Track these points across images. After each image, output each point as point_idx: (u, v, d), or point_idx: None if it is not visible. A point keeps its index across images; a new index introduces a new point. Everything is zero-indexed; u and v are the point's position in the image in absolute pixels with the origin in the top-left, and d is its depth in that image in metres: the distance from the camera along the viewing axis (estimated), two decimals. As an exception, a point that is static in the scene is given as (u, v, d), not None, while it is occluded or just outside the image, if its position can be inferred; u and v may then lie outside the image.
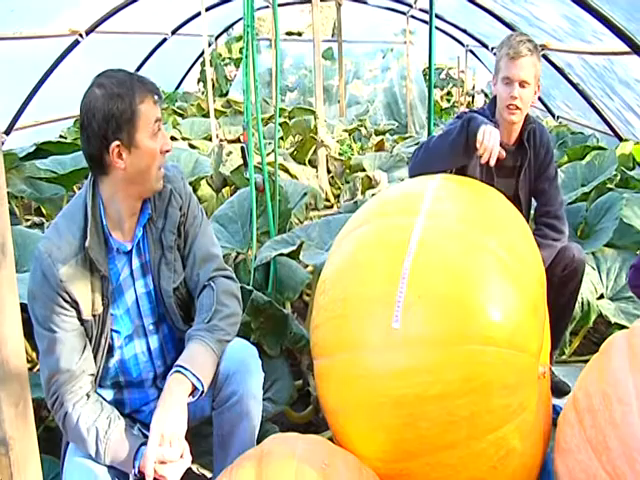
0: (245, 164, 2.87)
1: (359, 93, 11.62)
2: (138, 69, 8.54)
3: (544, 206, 2.36)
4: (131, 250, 1.64)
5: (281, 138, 6.82)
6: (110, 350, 1.64)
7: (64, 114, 7.05)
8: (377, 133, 8.49)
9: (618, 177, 4.33)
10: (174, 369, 1.53)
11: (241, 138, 3.00)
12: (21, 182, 4.44)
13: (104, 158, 1.51)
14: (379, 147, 7.42)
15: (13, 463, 1.00)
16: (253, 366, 1.73)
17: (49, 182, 4.37)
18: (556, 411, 1.89)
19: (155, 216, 1.66)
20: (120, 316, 1.65)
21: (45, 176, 4.32)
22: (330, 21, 14.14)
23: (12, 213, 4.62)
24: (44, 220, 4.55)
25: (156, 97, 1.55)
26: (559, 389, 2.33)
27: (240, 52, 9.60)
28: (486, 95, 11.37)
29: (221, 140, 5.76)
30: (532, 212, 2.46)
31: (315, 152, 5.79)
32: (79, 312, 1.54)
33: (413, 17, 9.89)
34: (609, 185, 4.15)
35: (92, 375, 1.58)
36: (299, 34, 12.45)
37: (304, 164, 6.01)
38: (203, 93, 10.62)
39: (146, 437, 1.52)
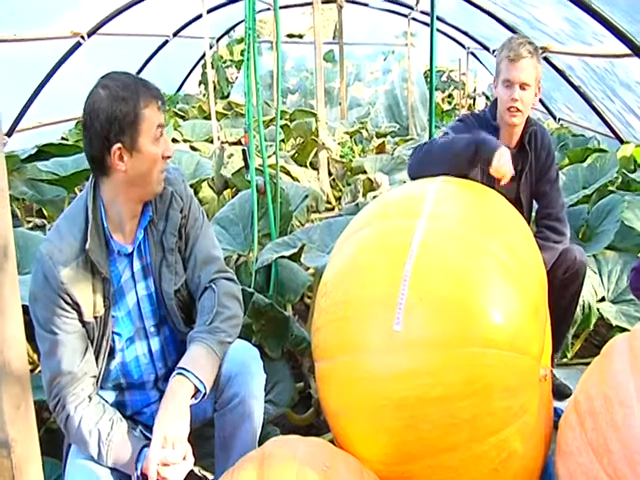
0: (246, 166, 2.88)
1: (360, 95, 11.62)
2: (140, 71, 8.55)
3: (545, 208, 2.36)
4: (132, 252, 1.64)
5: (282, 140, 6.82)
6: (111, 352, 1.64)
7: (66, 116, 7.05)
8: (378, 135, 8.50)
9: (619, 179, 4.34)
10: (176, 371, 1.52)
11: (242, 140, 3.00)
12: (23, 184, 4.43)
13: (105, 160, 1.51)
14: (380, 149, 7.43)
15: (15, 465, 1.00)
16: (255, 368, 1.73)
17: (51, 184, 4.37)
18: (557, 414, 1.89)
19: (156, 218, 1.66)
20: (121, 318, 1.65)
21: (47, 178, 4.32)
22: (331, 23, 14.13)
23: (14, 215, 4.61)
24: (46, 222, 4.55)
25: (160, 103, 1.55)
26: (560, 392, 2.32)
27: (241, 54, 9.58)
28: (487, 97, 11.38)
29: (222, 142, 5.74)
30: (533, 214, 2.46)
31: (316, 154, 5.79)
32: (80, 314, 1.54)
33: (414, 19, 9.88)
34: (610, 187, 4.14)
35: (94, 377, 1.58)
36: (300, 36, 12.48)
37: (305, 166, 6.01)
38: (204, 95, 10.64)
39: (148, 439, 1.52)
